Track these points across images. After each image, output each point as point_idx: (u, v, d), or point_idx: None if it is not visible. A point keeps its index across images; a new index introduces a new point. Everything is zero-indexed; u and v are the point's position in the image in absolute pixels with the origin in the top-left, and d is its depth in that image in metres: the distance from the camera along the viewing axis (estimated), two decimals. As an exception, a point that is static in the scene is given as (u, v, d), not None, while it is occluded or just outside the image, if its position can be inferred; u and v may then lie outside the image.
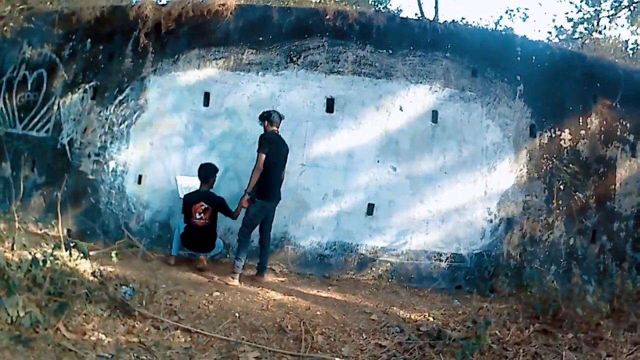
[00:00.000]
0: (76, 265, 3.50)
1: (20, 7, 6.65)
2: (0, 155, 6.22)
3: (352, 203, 5.36)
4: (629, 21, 11.27)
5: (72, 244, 3.43)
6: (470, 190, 5.41)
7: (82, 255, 3.41)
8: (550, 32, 12.98)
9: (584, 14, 11.36)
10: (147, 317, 3.31)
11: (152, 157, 5.63)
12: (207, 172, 4.98)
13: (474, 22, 12.91)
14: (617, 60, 6.66)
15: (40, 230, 5.31)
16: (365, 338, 3.62)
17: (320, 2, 9.41)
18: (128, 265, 4.40)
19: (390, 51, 5.49)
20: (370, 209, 5.35)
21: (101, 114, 5.83)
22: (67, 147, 5.90)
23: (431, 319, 4.08)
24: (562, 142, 5.60)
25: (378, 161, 5.39)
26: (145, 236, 5.34)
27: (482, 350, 3.22)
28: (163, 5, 5.87)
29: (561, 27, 11.91)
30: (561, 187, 5.52)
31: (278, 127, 4.80)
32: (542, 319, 3.78)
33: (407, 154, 5.40)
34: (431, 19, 5.97)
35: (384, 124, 5.43)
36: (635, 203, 5.74)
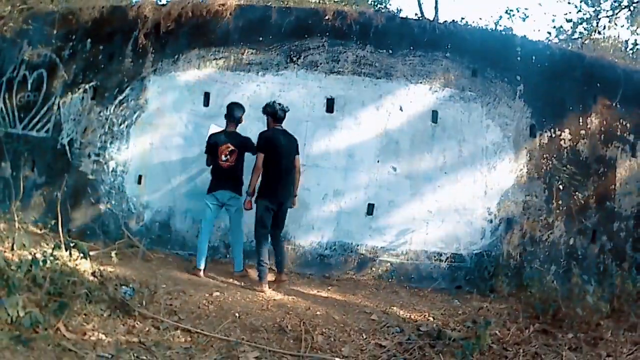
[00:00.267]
0: (76, 265, 3.51)
1: (20, 7, 6.65)
2: (0, 155, 6.22)
3: (352, 203, 5.36)
4: (629, 21, 11.27)
5: (72, 244, 3.43)
6: (470, 190, 5.41)
7: (82, 255, 3.41)
8: (550, 32, 12.99)
9: (583, 14, 11.36)
10: (147, 317, 3.32)
11: (152, 157, 5.63)
12: (233, 111, 4.83)
13: (473, 22, 12.94)
14: (617, 60, 6.65)
15: (40, 230, 5.32)
16: (365, 338, 3.62)
17: (320, 2, 9.42)
18: (128, 265, 4.40)
19: (390, 51, 5.49)
20: (370, 209, 5.35)
21: (101, 114, 5.83)
22: (67, 147, 5.91)
23: (431, 319, 4.09)
24: (562, 142, 5.60)
25: (378, 161, 5.39)
26: (145, 236, 5.33)
27: (482, 350, 3.23)
28: (163, 5, 5.87)
29: (561, 27, 11.91)
30: (561, 187, 5.52)
31: (282, 123, 4.74)
32: (542, 319, 3.79)
33: (407, 154, 5.40)
34: (431, 19, 5.96)
35: (384, 124, 5.43)
36: (635, 203, 5.74)
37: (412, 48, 5.51)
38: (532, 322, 3.73)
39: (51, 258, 3.19)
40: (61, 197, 5.30)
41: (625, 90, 5.80)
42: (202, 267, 4.73)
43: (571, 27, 11.65)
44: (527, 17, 15.65)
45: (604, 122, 5.73)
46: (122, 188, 5.65)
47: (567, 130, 5.62)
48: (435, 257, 5.33)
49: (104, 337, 2.92)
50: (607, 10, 11.11)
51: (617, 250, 5.63)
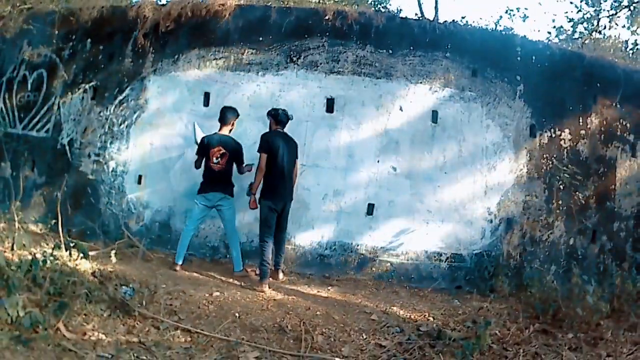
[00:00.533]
0: (76, 265, 3.51)
1: (20, 7, 6.65)
2: (0, 155, 6.22)
3: (352, 203, 5.36)
4: (629, 21, 11.27)
5: (72, 244, 3.43)
6: (470, 190, 5.41)
7: (82, 255, 3.41)
8: (550, 32, 13.01)
9: (583, 14, 11.36)
10: (147, 317, 3.32)
11: (152, 157, 5.63)
12: (226, 114, 4.84)
13: (474, 22, 12.94)
14: (617, 60, 6.65)
15: (40, 230, 5.32)
16: (365, 338, 3.62)
17: (320, 2, 9.42)
18: (128, 265, 4.40)
19: (390, 51, 5.50)
20: (370, 209, 5.35)
21: (101, 114, 5.83)
22: (67, 147, 5.91)
23: (431, 319, 4.08)
24: (562, 142, 5.60)
25: (378, 161, 5.39)
26: (145, 236, 5.34)
27: (482, 350, 3.23)
28: (163, 5, 5.88)
29: (561, 27, 11.92)
30: (561, 187, 5.52)
31: (284, 127, 4.76)
32: (542, 319, 3.79)
33: (407, 154, 5.40)
34: (431, 19, 5.96)
35: (384, 124, 5.43)
36: (635, 203, 5.74)
37: (412, 48, 5.52)
38: (532, 322, 3.73)
39: (51, 258, 3.19)
40: (61, 197, 5.30)
41: (625, 90, 5.80)
42: (179, 262, 4.79)
43: (571, 27, 11.66)
44: (527, 17, 15.66)
45: (604, 122, 5.73)
46: (122, 188, 5.65)
47: (567, 130, 5.62)
48: (435, 257, 5.33)
49: (104, 337, 2.92)
50: (607, 10, 11.11)
51: (617, 250, 5.62)
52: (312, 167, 5.36)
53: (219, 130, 4.87)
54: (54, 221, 4.53)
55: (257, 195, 4.68)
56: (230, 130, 4.91)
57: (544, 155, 5.54)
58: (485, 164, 5.45)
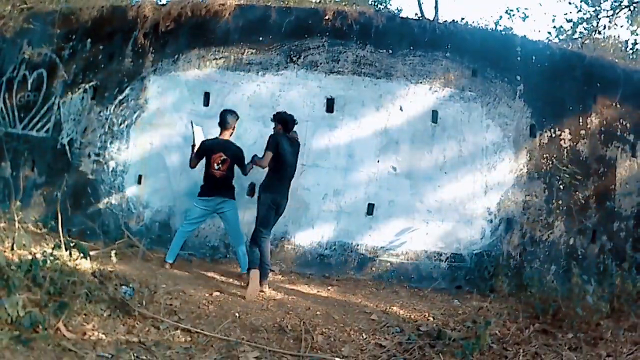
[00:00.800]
0: (76, 265, 3.50)
1: (20, 6, 6.65)
2: (0, 155, 6.22)
3: (352, 203, 5.36)
4: (629, 21, 11.26)
5: (72, 244, 3.43)
6: (470, 190, 5.41)
7: (82, 255, 3.41)
8: (550, 32, 12.99)
9: (583, 14, 11.36)
10: (147, 317, 3.31)
11: (152, 157, 5.63)
12: (226, 118, 4.75)
13: (473, 22, 12.89)
14: (617, 60, 6.65)
15: (40, 230, 5.32)
16: (365, 338, 3.62)
17: (320, 2, 9.41)
18: (128, 265, 4.40)
19: (390, 51, 5.50)
20: (370, 209, 5.35)
21: (101, 114, 5.83)
22: (67, 147, 5.91)
23: (431, 319, 4.09)
24: (562, 142, 5.60)
25: (378, 161, 5.39)
26: (145, 236, 5.33)
27: (482, 350, 3.23)
28: (163, 5, 5.88)
29: (561, 27, 11.91)
30: (561, 187, 5.53)
31: (289, 132, 4.69)
32: (542, 319, 3.79)
33: (407, 154, 5.40)
34: (431, 19, 5.95)
35: (384, 124, 5.43)
36: (635, 203, 5.74)
37: (412, 48, 5.52)
38: (532, 322, 3.73)
39: (51, 258, 3.18)
40: (61, 197, 5.31)
41: (625, 90, 5.80)
42: (170, 261, 4.76)
43: (571, 27, 11.65)
44: (527, 17, 15.63)
45: (604, 122, 5.73)
46: (122, 188, 5.65)
47: (567, 130, 5.62)
48: (435, 257, 5.33)
49: (104, 337, 2.92)
50: (607, 10, 11.11)
51: (617, 250, 5.62)
52: (312, 167, 5.36)
53: (220, 134, 4.78)
54: (54, 221, 4.54)
55: (256, 196, 4.66)
56: (231, 134, 4.84)
57: (544, 155, 5.54)
58: (485, 163, 5.45)
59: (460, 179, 5.41)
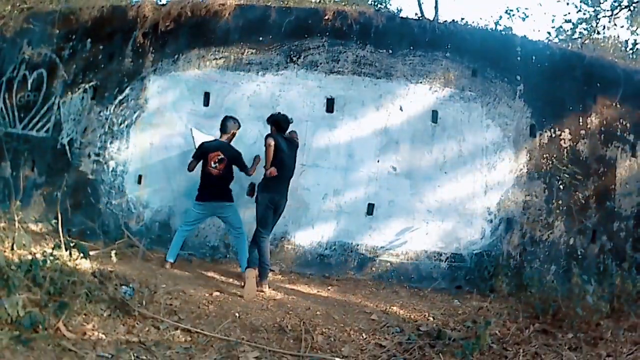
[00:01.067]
0: (76, 265, 3.50)
1: (20, 6, 6.65)
2: (0, 155, 6.22)
3: (352, 203, 5.36)
4: (629, 21, 11.26)
5: (72, 244, 3.43)
6: (470, 190, 5.41)
7: (82, 255, 3.41)
8: (550, 32, 12.97)
9: (583, 14, 11.35)
10: (147, 317, 3.31)
11: (152, 157, 5.63)
12: (226, 123, 4.81)
13: (473, 22, 12.88)
14: (617, 60, 6.65)
15: (40, 230, 5.32)
16: (365, 338, 3.62)
17: (320, 2, 9.41)
18: (128, 265, 4.40)
19: (390, 51, 5.50)
20: (370, 209, 5.35)
21: (101, 114, 5.83)
22: (67, 147, 5.91)
23: (431, 319, 4.09)
24: (562, 142, 5.60)
25: (378, 161, 5.39)
26: (145, 236, 5.33)
27: (482, 350, 3.23)
28: (163, 5, 5.88)
29: (561, 27, 11.90)
30: (561, 186, 5.52)
31: (284, 132, 4.72)
32: (542, 319, 3.79)
33: (407, 154, 5.40)
34: (431, 19, 5.94)
35: (383, 123, 5.43)
36: (635, 203, 5.74)
37: (412, 48, 5.52)
38: (532, 322, 3.73)
39: (51, 258, 3.18)
40: (61, 197, 5.30)
41: (625, 90, 5.80)
42: (171, 260, 4.79)
43: (571, 27, 11.64)
44: (527, 17, 15.62)
45: (604, 122, 5.73)
46: (122, 188, 5.65)
47: (567, 130, 5.62)
48: (435, 257, 5.33)
49: (104, 337, 2.92)
50: (607, 10, 11.10)
51: (617, 250, 5.62)
52: (312, 167, 5.36)
53: (220, 137, 4.84)
54: (54, 221, 4.53)
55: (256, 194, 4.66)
56: (230, 139, 4.86)
57: (544, 155, 5.54)
58: (485, 163, 5.45)
59: (460, 179, 5.41)
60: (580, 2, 11.28)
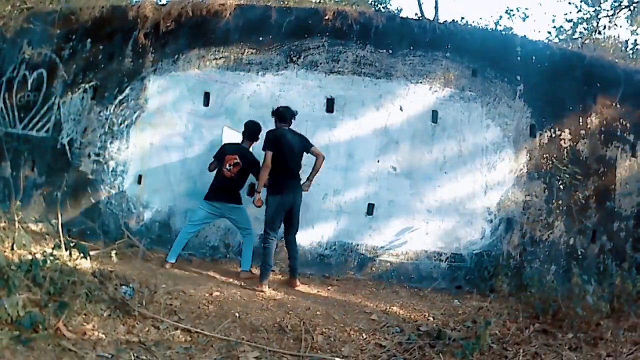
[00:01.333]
0: (76, 265, 3.50)
1: (20, 7, 6.65)
2: (0, 155, 6.22)
3: (352, 203, 5.36)
4: (629, 21, 11.27)
5: (72, 244, 3.43)
6: (470, 190, 5.41)
7: (82, 255, 3.41)
8: (550, 32, 12.99)
9: (583, 14, 11.36)
10: (147, 317, 3.32)
11: (152, 157, 5.63)
12: (251, 130, 4.90)
13: (474, 22, 12.90)
14: (617, 60, 6.66)
15: (40, 230, 5.32)
16: (365, 338, 3.62)
17: (320, 2, 9.41)
18: (128, 265, 4.40)
19: (390, 51, 5.50)
20: (370, 209, 5.35)
21: (101, 114, 5.83)
22: (67, 147, 5.91)
23: (431, 319, 4.09)
24: (562, 142, 5.60)
25: (378, 161, 5.39)
26: (145, 236, 5.34)
27: (482, 350, 3.22)
28: (163, 5, 5.88)
29: (561, 27, 11.91)
30: (561, 186, 5.53)
31: (289, 124, 4.72)
32: (542, 319, 3.79)
33: (407, 154, 5.40)
34: (431, 19, 5.95)
35: (383, 123, 5.43)
36: (635, 203, 5.74)
37: (412, 48, 5.52)
38: (532, 322, 3.73)
39: (51, 258, 3.18)
40: (61, 197, 5.30)
41: (625, 90, 5.80)
42: (172, 261, 4.81)
43: (571, 27, 11.65)
44: (527, 17, 15.63)
45: (604, 122, 5.73)
46: (122, 188, 5.65)
47: (567, 130, 5.62)
48: (435, 257, 5.33)
49: (104, 337, 2.92)
50: (607, 10, 11.11)
51: (617, 250, 5.62)
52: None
53: (242, 142, 4.93)
54: (54, 221, 4.54)
55: (263, 196, 4.62)
56: (251, 145, 4.95)
57: (544, 155, 5.54)
58: (485, 163, 5.45)
59: (460, 179, 5.41)
60: (581, 2, 11.29)
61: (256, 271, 4.82)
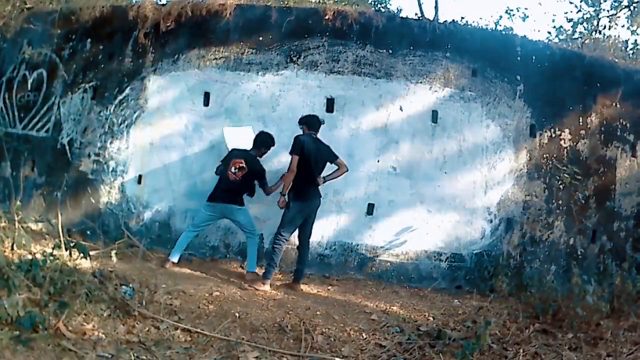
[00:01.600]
0: (76, 265, 3.50)
1: (21, 6, 6.65)
2: (0, 155, 6.22)
3: (352, 203, 5.36)
4: (629, 21, 11.26)
5: (72, 244, 3.43)
6: (470, 190, 5.41)
7: (82, 255, 3.40)
8: (550, 32, 13.00)
9: (583, 14, 11.36)
10: (147, 317, 3.31)
11: (152, 157, 5.63)
12: (262, 140, 4.92)
13: (474, 22, 12.92)
14: (617, 60, 6.66)
15: (40, 230, 5.32)
16: (365, 338, 3.62)
17: (320, 2, 9.41)
18: (128, 265, 4.40)
19: (390, 51, 5.50)
20: (370, 209, 5.35)
21: (101, 113, 5.83)
22: (67, 147, 5.91)
23: (431, 319, 4.09)
24: (562, 142, 5.60)
25: (378, 161, 5.39)
26: (145, 236, 5.33)
27: (482, 350, 3.22)
28: (163, 5, 5.88)
29: (561, 27, 11.92)
30: (561, 186, 5.52)
31: (316, 132, 4.76)
32: (542, 319, 3.79)
33: (407, 154, 5.40)
34: (431, 19, 5.95)
35: (383, 123, 5.43)
36: (635, 203, 5.74)
37: (412, 48, 5.52)
38: (532, 322, 3.73)
39: (51, 258, 3.18)
40: (61, 197, 5.30)
41: (625, 90, 5.81)
42: (174, 260, 4.82)
43: (571, 27, 11.66)
44: (527, 17, 15.65)
45: (604, 122, 5.73)
46: (122, 188, 5.65)
47: (567, 130, 5.62)
48: (435, 257, 5.33)
49: (104, 337, 2.92)
50: (607, 10, 11.11)
51: (617, 250, 5.62)
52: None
53: (251, 149, 4.93)
54: (54, 221, 4.53)
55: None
56: (261, 154, 4.96)
57: (544, 155, 5.54)
58: (485, 163, 5.45)
59: (460, 178, 5.41)
60: (581, 1, 11.29)
61: (261, 272, 4.82)
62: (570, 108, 5.67)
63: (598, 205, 5.62)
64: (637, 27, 11.33)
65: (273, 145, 4.98)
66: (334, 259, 5.32)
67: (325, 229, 5.33)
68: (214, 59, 5.62)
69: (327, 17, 5.50)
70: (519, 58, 5.63)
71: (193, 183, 5.48)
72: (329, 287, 4.90)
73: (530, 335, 3.51)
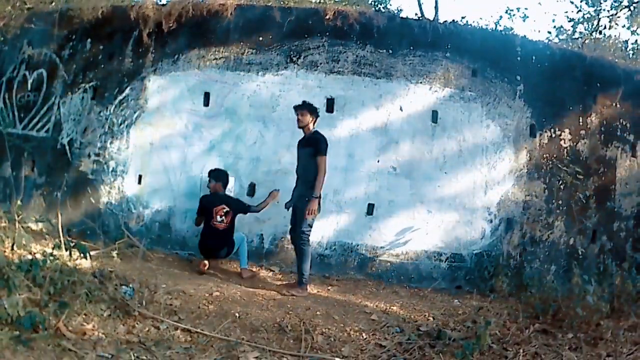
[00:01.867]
0: (76, 265, 3.50)
1: (21, 7, 6.65)
2: (0, 155, 6.21)
3: (352, 203, 5.36)
4: (629, 21, 11.27)
5: (72, 244, 3.43)
6: (470, 190, 5.41)
7: (82, 255, 3.41)
8: (550, 32, 13.01)
9: (584, 14, 11.37)
10: (147, 317, 3.31)
11: (152, 157, 5.63)
12: (223, 175, 5.02)
13: (474, 22, 12.93)
14: (617, 60, 6.66)
15: (40, 230, 5.31)
16: (365, 338, 3.62)
17: (320, 2, 9.42)
18: (128, 265, 4.40)
19: (390, 51, 5.50)
20: (370, 209, 5.35)
21: (101, 114, 5.83)
22: (67, 147, 5.91)
23: (431, 319, 4.09)
24: (562, 142, 5.60)
25: (378, 161, 5.39)
26: (145, 236, 5.33)
27: (482, 350, 3.23)
28: (163, 5, 5.87)
29: (561, 27, 11.94)
30: (561, 186, 5.52)
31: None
32: (542, 319, 3.79)
33: (407, 154, 5.40)
34: (431, 19, 5.97)
35: (383, 123, 5.43)
36: (635, 203, 5.74)
37: (412, 48, 5.52)
38: (532, 322, 3.73)
39: (51, 258, 3.18)
40: (61, 197, 5.30)
41: (625, 90, 5.80)
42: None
43: (571, 27, 11.67)
44: (527, 17, 15.66)
45: (604, 122, 5.73)
46: (122, 188, 5.65)
47: (567, 130, 5.62)
48: (435, 257, 5.33)
49: (104, 337, 2.92)
50: (608, 10, 11.11)
51: (617, 250, 5.62)
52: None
53: (216, 190, 4.98)
54: (54, 221, 4.53)
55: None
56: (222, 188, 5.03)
57: (544, 155, 5.54)
58: (485, 163, 5.45)
59: (460, 178, 5.41)
60: (581, 1, 11.30)
61: (254, 268, 4.88)
62: (570, 108, 5.67)
63: (598, 205, 5.62)
64: (637, 27, 11.34)
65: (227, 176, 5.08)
66: (334, 259, 5.32)
67: (325, 229, 5.33)
68: (214, 59, 5.62)
69: (327, 17, 5.50)
70: (519, 58, 5.63)
71: (193, 183, 5.48)
72: (329, 287, 4.90)
73: (530, 335, 3.51)
